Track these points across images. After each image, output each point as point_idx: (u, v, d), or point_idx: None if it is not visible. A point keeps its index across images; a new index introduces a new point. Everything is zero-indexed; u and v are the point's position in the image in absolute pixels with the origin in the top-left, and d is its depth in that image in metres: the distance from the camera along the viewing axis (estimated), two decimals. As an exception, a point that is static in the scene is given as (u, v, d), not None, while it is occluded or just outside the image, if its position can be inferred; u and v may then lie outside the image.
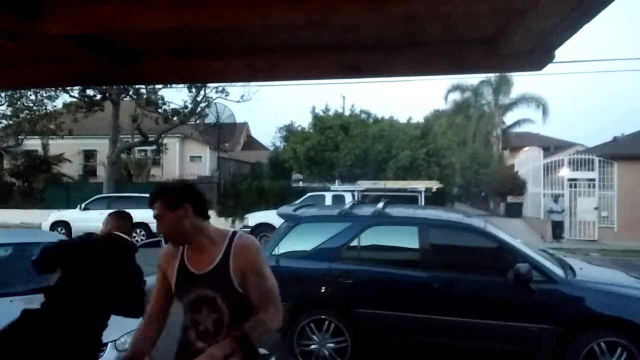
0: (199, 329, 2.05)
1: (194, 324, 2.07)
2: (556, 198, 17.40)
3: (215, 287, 1.98)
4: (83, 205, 16.75)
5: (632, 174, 17.28)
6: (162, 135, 22.06)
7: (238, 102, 22.45)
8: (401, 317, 5.09)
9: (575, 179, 18.16)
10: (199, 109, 21.54)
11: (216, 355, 1.81)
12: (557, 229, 17.21)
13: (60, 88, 18.38)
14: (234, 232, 2.08)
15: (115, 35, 2.16)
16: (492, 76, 31.85)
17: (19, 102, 21.90)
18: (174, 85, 19.03)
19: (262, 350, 2.02)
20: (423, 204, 15.43)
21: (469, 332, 4.91)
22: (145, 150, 26.88)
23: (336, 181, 18.93)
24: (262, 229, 14.47)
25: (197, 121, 23.85)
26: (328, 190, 17.03)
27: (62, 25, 1.88)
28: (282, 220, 6.10)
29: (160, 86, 19.96)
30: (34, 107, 22.33)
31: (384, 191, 15.30)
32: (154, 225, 13.30)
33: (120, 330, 4.11)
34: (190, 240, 2.02)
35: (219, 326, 2.00)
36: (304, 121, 35.54)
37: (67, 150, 25.54)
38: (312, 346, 5.22)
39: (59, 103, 22.70)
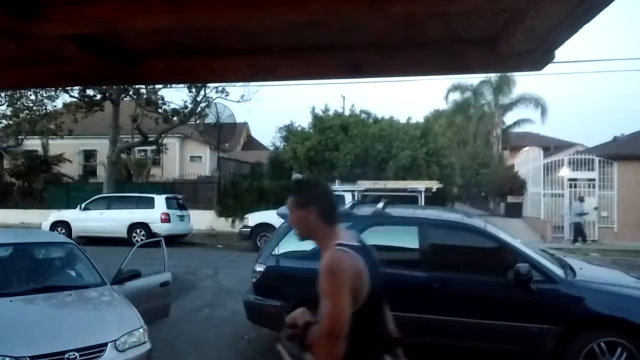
0: None
1: None
2: (581, 198, 17.07)
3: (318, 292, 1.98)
4: (83, 205, 16.75)
5: (632, 174, 17.28)
6: (162, 135, 22.06)
7: (238, 102, 22.46)
8: (401, 317, 5.06)
9: (575, 179, 18.17)
10: (199, 109, 21.54)
11: (299, 318, 1.97)
12: (582, 230, 16.89)
13: (60, 88, 18.36)
14: (335, 244, 2.00)
15: (115, 35, 2.15)
16: (492, 76, 31.87)
17: (19, 102, 21.91)
18: (174, 85, 19.03)
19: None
20: (423, 204, 15.43)
21: (469, 332, 4.91)
22: (145, 150, 26.87)
23: (336, 181, 18.92)
24: (262, 229, 14.47)
25: (197, 121, 23.85)
26: (328, 190, 17.00)
27: (62, 25, 1.88)
28: (282, 220, 6.10)
29: (160, 86, 19.96)
30: (34, 107, 22.34)
31: (384, 191, 15.29)
32: (154, 225, 13.46)
33: (120, 330, 4.11)
34: (312, 239, 2.12)
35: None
36: (304, 121, 35.53)
37: (67, 150, 25.54)
38: (312, 346, 5.21)
39: (59, 103, 22.76)
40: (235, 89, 44.63)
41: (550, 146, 30.49)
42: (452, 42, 2.19)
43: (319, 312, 1.92)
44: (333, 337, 1.79)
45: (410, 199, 15.11)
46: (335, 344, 1.79)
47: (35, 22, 1.83)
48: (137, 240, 14.85)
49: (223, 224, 19.73)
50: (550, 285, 4.82)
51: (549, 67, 2.27)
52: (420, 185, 16.84)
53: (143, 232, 15.78)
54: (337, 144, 20.72)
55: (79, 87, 17.91)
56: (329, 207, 2.08)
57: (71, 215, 16.71)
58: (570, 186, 17.99)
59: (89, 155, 28.77)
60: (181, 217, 16.86)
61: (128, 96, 20.91)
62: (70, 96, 21.17)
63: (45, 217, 17.20)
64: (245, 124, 36.83)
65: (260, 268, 5.59)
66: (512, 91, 32.49)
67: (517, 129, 35.07)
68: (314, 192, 2.11)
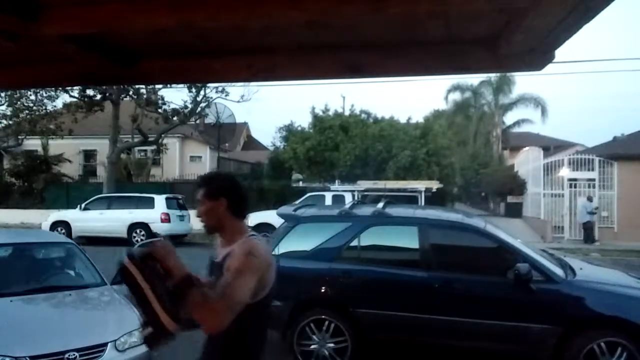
0: None
1: None
2: (590, 197, 17.04)
3: (216, 280, 2.04)
4: (83, 205, 16.75)
5: (632, 174, 17.27)
6: (162, 135, 22.07)
7: (238, 102, 22.49)
8: (401, 317, 5.09)
9: (575, 179, 18.17)
10: (199, 109, 21.55)
11: (170, 257, 1.82)
12: (591, 231, 16.86)
13: (60, 88, 18.36)
14: (249, 235, 2.09)
15: (115, 35, 2.15)
16: (492, 76, 31.90)
17: (19, 102, 21.92)
18: (174, 85, 19.03)
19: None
20: (423, 204, 15.43)
21: (469, 332, 4.91)
22: (145, 150, 26.88)
23: (336, 181, 18.93)
24: (262, 229, 14.46)
25: (197, 121, 23.86)
26: (328, 190, 17.04)
27: (62, 25, 1.88)
28: (282, 220, 6.10)
29: (160, 86, 19.96)
30: (34, 107, 22.35)
31: (384, 191, 15.30)
32: (154, 225, 13.46)
33: (120, 330, 4.11)
34: (219, 232, 2.13)
35: None
36: (304, 121, 35.56)
37: (67, 150, 25.54)
38: (312, 346, 5.22)
39: (59, 103, 22.76)
40: (235, 89, 44.71)
41: (550, 146, 30.47)
42: (452, 42, 2.19)
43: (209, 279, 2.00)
44: (229, 309, 1.82)
45: (410, 199, 15.12)
46: (227, 316, 1.81)
47: (35, 22, 1.83)
48: (137, 240, 14.87)
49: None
50: (550, 285, 4.82)
51: (549, 67, 2.27)
52: (420, 185, 16.85)
53: (143, 232, 15.78)
54: (337, 144, 20.73)
55: (79, 87, 17.91)
56: (239, 201, 2.13)
57: (71, 215, 16.70)
58: (570, 186, 17.98)
59: (89, 155, 28.77)
60: (181, 217, 16.86)
61: (128, 96, 20.92)
62: (70, 96, 21.20)
63: (45, 217, 17.20)
64: (245, 124, 36.85)
65: (260, 268, 5.58)
66: (512, 91, 32.56)
67: (517, 129, 35.10)
68: (225, 184, 2.15)
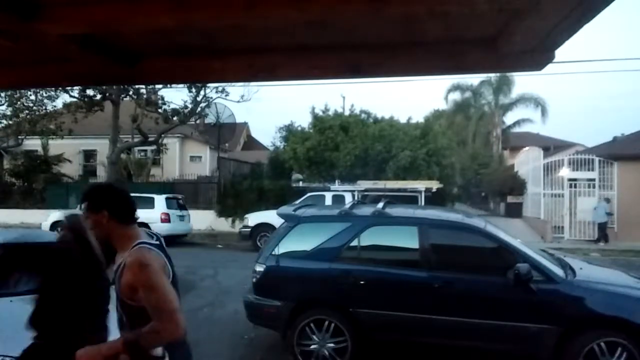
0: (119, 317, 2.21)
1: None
2: (607, 198, 17.13)
3: (116, 287, 2.14)
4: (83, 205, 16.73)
5: (632, 174, 17.28)
6: (162, 135, 22.07)
7: (238, 102, 22.50)
8: (401, 317, 5.09)
9: (575, 179, 18.17)
10: (199, 109, 21.55)
11: (102, 352, 1.95)
12: (603, 231, 16.93)
13: (60, 88, 18.36)
14: (135, 244, 2.13)
15: (115, 35, 2.15)
16: (492, 76, 31.91)
17: (19, 102, 21.90)
18: (174, 85, 19.04)
19: (157, 351, 2.03)
20: (423, 204, 15.43)
21: (469, 332, 4.91)
22: (145, 150, 26.88)
23: (336, 181, 18.92)
24: (262, 229, 14.47)
25: (197, 121, 23.86)
26: (328, 190, 17.03)
27: (62, 25, 1.88)
28: (282, 220, 6.10)
29: (160, 86, 19.96)
30: (34, 107, 22.34)
31: (384, 191, 15.29)
32: (154, 225, 13.44)
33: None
34: (110, 241, 2.19)
35: (122, 324, 2.17)
36: (304, 121, 35.57)
37: (67, 150, 25.53)
38: (312, 346, 5.22)
39: (59, 103, 22.75)
40: (235, 89, 44.78)
41: (550, 146, 30.49)
42: (452, 42, 2.19)
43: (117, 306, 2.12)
44: (172, 316, 1.98)
45: (410, 199, 15.12)
46: (178, 321, 1.99)
47: (35, 22, 1.83)
48: (137, 240, 14.81)
49: (223, 224, 19.72)
50: (550, 285, 4.83)
51: (549, 67, 2.27)
52: (420, 185, 16.85)
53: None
54: (337, 144, 20.72)
55: (79, 87, 17.91)
56: (121, 209, 2.18)
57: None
58: (570, 186, 17.98)
59: (89, 155, 28.77)
60: (181, 217, 16.86)
61: (128, 96, 20.92)
62: (70, 96, 21.19)
63: (45, 217, 17.19)
64: (245, 124, 36.85)
65: (260, 268, 5.59)
66: (512, 91, 32.56)
67: (517, 129, 35.10)
68: (103, 195, 2.21)
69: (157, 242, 2.24)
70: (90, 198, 2.21)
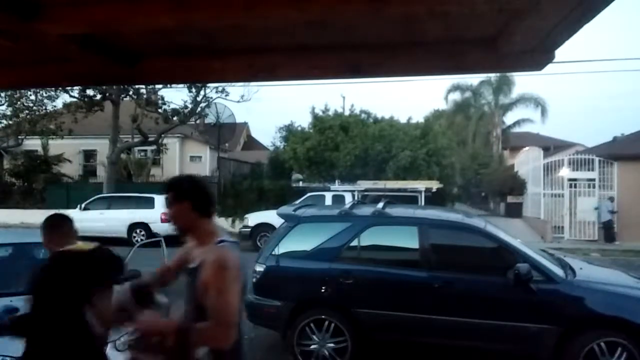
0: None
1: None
2: (611, 198, 17.13)
3: (191, 284, 2.12)
4: (83, 205, 16.74)
5: (632, 174, 17.27)
6: (162, 135, 22.05)
7: (238, 102, 22.50)
8: (401, 317, 5.09)
9: (575, 179, 18.16)
10: (199, 109, 21.54)
11: (159, 325, 1.99)
12: (609, 230, 16.95)
13: (60, 88, 18.35)
14: (219, 241, 2.13)
15: (115, 35, 2.15)
16: (492, 76, 31.90)
17: (19, 102, 21.88)
18: (174, 85, 19.03)
19: (199, 352, 2.00)
20: (423, 204, 15.43)
21: (469, 332, 4.91)
22: (145, 150, 26.87)
23: (336, 181, 18.92)
24: (262, 229, 14.46)
25: (197, 121, 23.84)
26: (328, 190, 17.03)
27: (62, 25, 1.88)
28: (282, 220, 6.10)
29: (160, 86, 19.95)
30: (34, 107, 22.31)
31: (384, 191, 15.29)
32: (154, 225, 13.45)
33: (120, 330, 4.11)
34: (188, 233, 2.21)
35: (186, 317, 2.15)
36: (304, 121, 35.58)
37: (67, 150, 25.52)
38: (312, 346, 5.22)
39: (59, 103, 22.72)
40: (235, 89, 44.79)
41: (550, 146, 30.47)
42: (452, 42, 2.19)
43: (188, 303, 2.09)
44: (229, 326, 1.96)
45: (410, 199, 15.11)
46: (232, 332, 1.96)
47: (35, 22, 1.83)
48: (137, 240, 14.84)
49: (223, 224, 19.71)
50: (550, 285, 4.83)
51: (549, 67, 2.27)
52: (420, 185, 16.84)
53: (143, 232, 15.78)
54: (337, 144, 20.73)
55: (79, 87, 17.91)
56: (204, 201, 2.19)
57: (71, 215, 16.63)
58: (570, 186, 17.98)
59: (89, 155, 28.75)
60: (181, 217, 16.84)
61: (128, 96, 20.90)
62: (70, 96, 21.16)
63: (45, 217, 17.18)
64: (245, 124, 36.85)
65: (260, 268, 5.59)
66: (512, 91, 32.54)
67: (517, 129, 35.09)
68: (189, 186, 2.21)
69: (234, 241, 2.22)
70: (174, 188, 2.21)
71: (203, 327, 1.95)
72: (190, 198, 2.15)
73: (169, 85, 18.78)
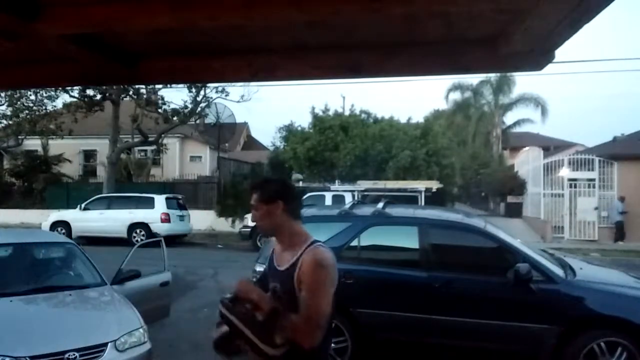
0: None
1: None
2: (622, 198, 17.13)
3: (283, 287, 2.07)
4: (83, 205, 16.75)
5: (632, 174, 17.28)
6: (162, 135, 22.05)
7: (238, 102, 22.45)
8: (401, 317, 5.09)
9: (575, 179, 18.15)
10: (199, 109, 21.53)
11: (254, 295, 1.98)
12: (623, 230, 16.96)
13: (60, 88, 18.36)
14: (313, 242, 2.08)
15: (115, 35, 2.15)
16: (492, 76, 31.87)
17: (19, 102, 21.88)
18: (174, 85, 19.03)
19: (274, 350, 1.95)
20: (423, 204, 15.42)
21: (469, 332, 4.91)
22: (145, 150, 26.88)
23: (336, 181, 18.93)
24: (262, 229, 14.44)
25: (197, 121, 23.83)
26: (328, 190, 17.04)
27: (62, 25, 1.88)
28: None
29: (160, 86, 19.95)
30: (34, 107, 22.31)
31: (384, 191, 15.29)
32: (154, 226, 13.47)
33: (120, 330, 4.11)
34: (276, 235, 2.16)
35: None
36: (304, 121, 35.56)
37: (67, 150, 25.54)
38: (312, 346, 5.21)
39: (59, 103, 22.71)
40: (235, 89, 44.72)
41: (550, 146, 30.48)
42: (452, 42, 2.19)
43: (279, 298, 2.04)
44: (318, 326, 1.92)
45: (410, 199, 15.11)
46: (318, 333, 1.92)
47: (35, 22, 1.83)
48: (137, 240, 14.85)
49: (223, 224, 19.71)
50: (550, 285, 4.82)
51: (549, 67, 2.27)
52: (420, 185, 16.84)
53: (143, 232, 15.78)
54: (337, 144, 20.72)
55: (79, 87, 17.91)
56: (294, 203, 2.16)
57: (71, 215, 16.70)
58: (570, 186, 17.97)
59: (89, 155, 28.77)
60: (181, 217, 16.86)
61: (128, 96, 20.90)
62: (70, 96, 21.17)
63: (45, 217, 17.20)
64: (245, 124, 36.84)
65: (260, 268, 5.59)
66: (512, 91, 32.52)
67: (517, 129, 35.07)
68: (279, 187, 2.17)
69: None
70: (264, 188, 2.15)
71: (293, 319, 1.91)
72: (282, 198, 2.10)
73: (169, 85, 18.78)
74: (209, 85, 19.18)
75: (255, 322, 1.93)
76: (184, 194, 19.22)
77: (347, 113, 24.05)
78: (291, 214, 2.12)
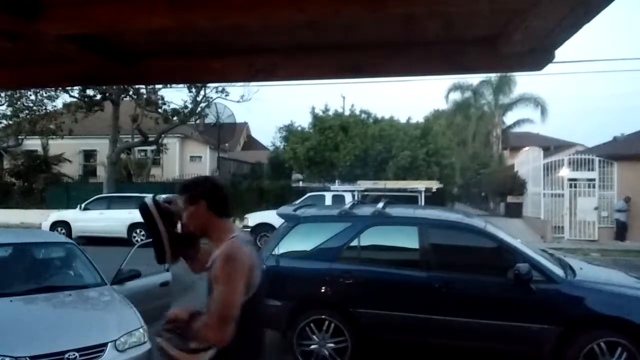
0: None
1: None
2: (627, 198, 17.08)
3: (209, 285, 2.11)
4: (83, 205, 16.74)
5: (632, 174, 17.26)
6: (162, 135, 22.06)
7: (238, 102, 22.50)
8: (401, 317, 5.09)
9: (575, 179, 18.14)
10: (199, 109, 21.55)
11: (182, 313, 2.09)
12: (623, 229, 16.93)
13: (60, 88, 18.36)
14: (232, 237, 2.11)
15: (115, 35, 2.15)
16: (492, 76, 31.86)
17: (19, 102, 21.89)
18: (174, 85, 19.03)
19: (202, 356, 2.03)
20: (423, 204, 15.42)
21: (469, 332, 4.91)
22: (145, 150, 26.87)
23: (336, 181, 18.93)
24: (262, 229, 14.46)
25: (197, 121, 23.85)
26: (328, 190, 17.03)
27: (62, 25, 1.88)
28: (282, 220, 6.10)
29: (160, 86, 19.96)
30: (34, 107, 22.32)
31: (384, 191, 15.29)
32: (154, 225, 13.01)
33: (120, 330, 4.11)
34: (205, 234, 2.18)
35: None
36: (304, 121, 35.57)
37: (67, 150, 25.52)
38: (312, 346, 5.22)
39: (59, 103, 22.73)
40: (235, 89, 44.78)
41: (550, 146, 30.46)
42: (452, 42, 2.19)
43: (209, 297, 2.08)
44: (225, 320, 1.93)
45: (410, 199, 15.11)
46: (226, 327, 1.93)
47: (35, 22, 1.83)
48: (137, 240, 14.84)
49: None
50: (550, 285, 4.82)
51: (549, 67, 2.27)
52: (420, 185, 16.84)
53: (143, 232, 15.76)
54: (337, 144, 20.73)
55: (79, 87, 17.91)
56: (219, 201, 2.18)
57: (71, 215, 16.69)
58: (570, 186, 17.97)
59: (89, 155, 28.76)
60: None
61: (128, 96, 20.91)
62: (70, 96, 21.18)
63: (45, 217, 17.18)
64: (245, 124, 36.86)
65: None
66: (512, 91, 32.50)
67: (517, 129, 35.06)
68: (203, 187, 2.21)
69: (251, 242, 2.22)
70: (189, 189, 2.20)
71: (201, 321, 1.96)
72: (205, 198, 2.14)
73: (169, 85, 18.78)
74: (209, 85, 19.20)
75: (172, 231, 2.11)
76: (184, 194, 19.18)
77: (347, 113, 24.05)
78: (216, 212, 2.15)
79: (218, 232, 2.14)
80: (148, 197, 2.26)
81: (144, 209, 2.21)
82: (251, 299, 2.04)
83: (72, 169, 26.52)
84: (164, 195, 2.24)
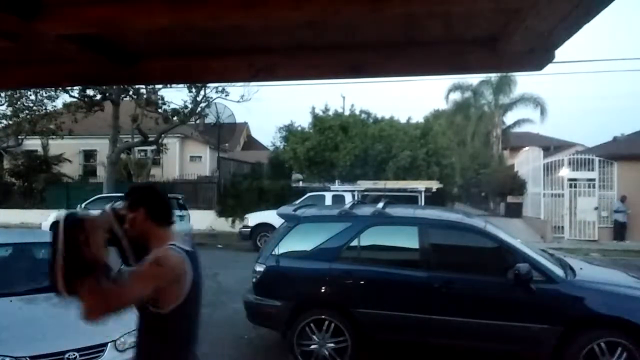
0: None
1: None
2: (623, 197, 17.14)
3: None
4: (83, 205, 16.73)
5: (632, 174, 17.27)
6: (162, 135, 22.04)
7: (238, 102, 22.43)
8: (401, 317, 5.09)
9: (575, 179, 18.15)
10: (199, 109, 21.53)
11: (96, 238, 1.89)
12: (622, 229, 16.98)
13: (60, 88, 18.35)
14: (169, 245, 2.09)
15: (115, 35, 2.15)
16: (492, 76, 31.84)
17: (19, 102, 21.86)
18: (174, 85, 19.02)
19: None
20: (423, 204, 15.42)
21: (469, 332, 4.91)
22: (145, 150, 26.85)
23: (336, 181, 18.91)
24: (262, 229, 14.46)
25: (197, 121, 23.84)
26: (328, 190, 17.02)
27: (62, 25, 1.88)
28: (282, 220, 6.10)
29: (160, 86, 19.95)
30: (34, 107, 22.29)
31: (384, 191, 15.28)
32: (154, 225, 13.03)
33: (120, 330, 4.11)
34: (145, 241, 2.13)
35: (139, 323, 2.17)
36: (304, 121, 35.56)
37: (67, 150, 25.52)
38: (312, 346, 5.22)
39: (59, 103, 22.70)
40: (235, 89, 44.77)
41: (550, 146, 30.44)
42: (452, 42, 2.19)
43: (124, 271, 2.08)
44: (109, 306, 1.87)
45: (410, 199, 15.10)
46: (104, 313, 1.87)
47: (35, 22, 1.83)
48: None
49: (223, 224, 19.72)
50: (550, 285, 4.83)
51: (549, 67, 2.27)
52: (420, 185, 16.82)
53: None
54: (337, 144, 20.71)
55: (79, 87, 17.90)
56: (158, 208, 2.17)
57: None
58: (570, 186, 17.97)
59: (89, 155, 28.76)
60: (181, 217, 16.83)
61: (128, 96, 20.90)
62: (70, 96, 21.15)
63: (45, 217, 17.17)
64: (245, 124, 36.85)
65: (260, 268, 5.59)
66: (512, 91, 32.48)
67: (517, 129, 35.04)
68: (142, 194, 2.21)
69: (191, 250, 2.17)
70: (130, 196, 2.20)
71: (103, 284, 1.84)
72: (144, 205, 2.13)
73: (168, 85, 18.77)
74: (209, 85, 19.18)
75: (75, 256, 1.82)
76: (184, 194, 19.21)
77: (347, 113, 24.02)
78: (155, 219, 2.14)
79: (157, 240, 2.12)
80: (64, 214, 1.96)
81: (54, 226, 1.94)
82: (180, 306, 2.04)
83: (72, 169, 26.52)
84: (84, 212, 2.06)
